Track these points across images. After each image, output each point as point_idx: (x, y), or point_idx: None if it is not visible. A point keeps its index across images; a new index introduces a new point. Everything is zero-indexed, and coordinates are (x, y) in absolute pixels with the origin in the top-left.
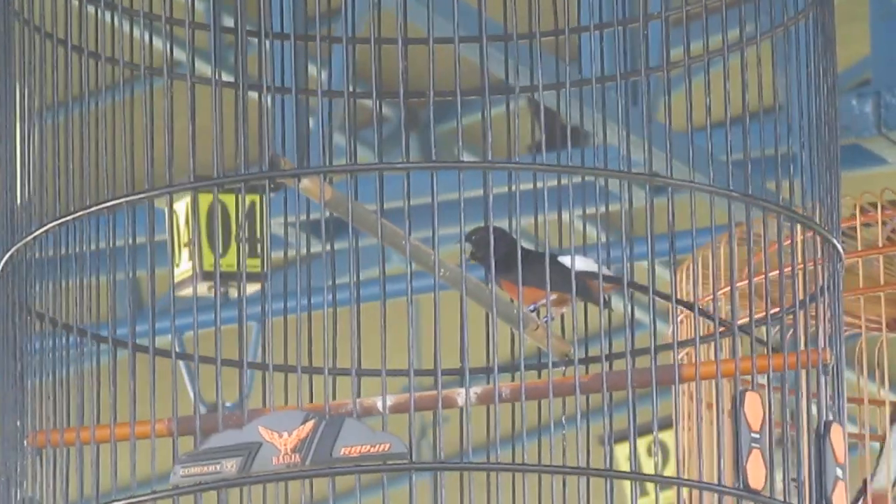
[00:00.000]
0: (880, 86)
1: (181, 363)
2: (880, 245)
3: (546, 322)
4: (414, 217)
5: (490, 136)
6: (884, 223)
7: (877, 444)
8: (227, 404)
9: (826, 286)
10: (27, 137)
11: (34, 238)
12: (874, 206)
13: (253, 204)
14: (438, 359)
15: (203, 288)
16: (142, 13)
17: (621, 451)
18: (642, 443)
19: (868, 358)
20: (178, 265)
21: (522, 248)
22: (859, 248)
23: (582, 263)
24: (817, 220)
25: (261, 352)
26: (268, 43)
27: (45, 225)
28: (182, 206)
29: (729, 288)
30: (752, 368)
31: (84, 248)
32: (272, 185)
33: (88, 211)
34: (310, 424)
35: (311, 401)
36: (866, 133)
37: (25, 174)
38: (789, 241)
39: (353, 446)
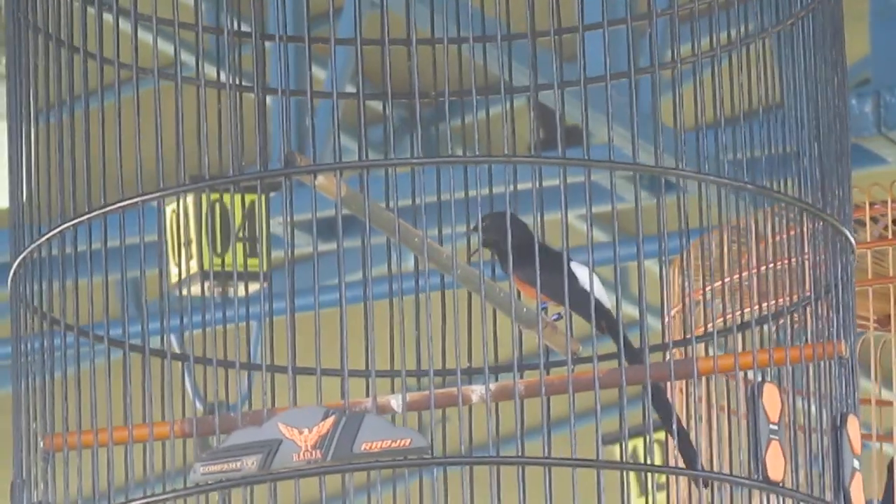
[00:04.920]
0: (880, 85)
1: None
2: (876, 238)
3: (555, 320)
4: (419, 214)
5: (505, 129)
6: (873, 219)
7: (874, 444)
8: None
9: (839, 277)
10: (37, 140)
11: (46, 240)
12: (883, 201)
13: (254, 202)
14: (458, 356)
15: (207, 288)
16: (154, 19)
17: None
18: (642, 441)
19: (861, 355)
20: (181, 265)
21: (537, 244)
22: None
23: (595, 284)
24: (828, 211)
25: (269, 353)
26: (270, 44)
27: (56, 227)
28: (182, 206)
29: (739, 280)
30: (770, 361)
31: (96, 245)
32: (287, 182)
33: (101, 212)
34: (330, 420)
35: (321, 402)
36: (866, 133)
37: (36, 176)
38: (797, 232)
39: (374, 441)
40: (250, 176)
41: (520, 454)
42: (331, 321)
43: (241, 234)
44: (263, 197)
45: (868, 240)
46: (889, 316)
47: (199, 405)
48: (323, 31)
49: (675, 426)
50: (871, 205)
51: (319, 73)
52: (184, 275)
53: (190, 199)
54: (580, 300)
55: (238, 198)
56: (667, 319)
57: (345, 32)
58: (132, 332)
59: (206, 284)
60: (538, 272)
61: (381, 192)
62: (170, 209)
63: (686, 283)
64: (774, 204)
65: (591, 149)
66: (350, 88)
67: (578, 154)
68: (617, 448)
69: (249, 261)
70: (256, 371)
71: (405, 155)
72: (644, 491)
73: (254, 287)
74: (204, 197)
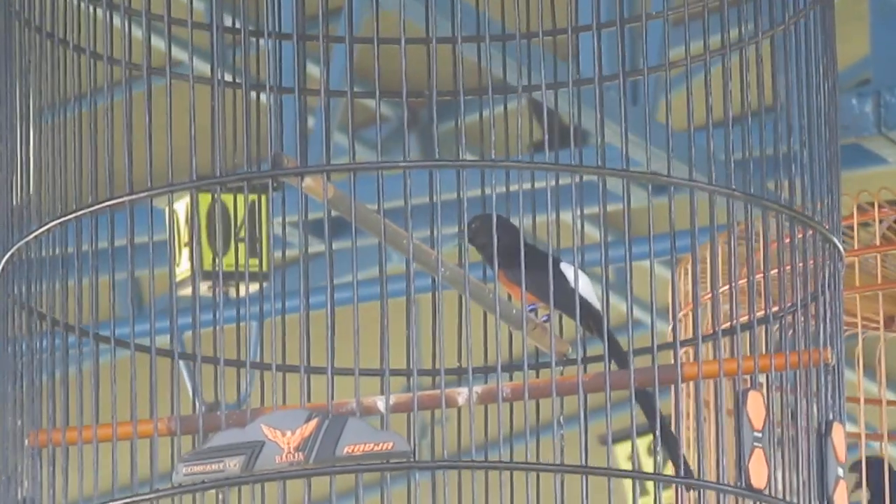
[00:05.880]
0: (880, 86)
1: (180, 363)
2: (877, 243)
3: (544, 322)
4: (412, 216)
5: (493, 134)
6: (880, 221)
7: (875, 444)
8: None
9: (827, 285)
10: (28, 136)
11: (35, 237)
12: (872, 205)
13: (253, 203)
14: (442, 358)
15: (203, 288)
16: (144, 13)
17: (621, 451)
18: (641, 443)
19: (865, 356)
20: (178, 265)
21: (525, 245)
22: (856, 247)
23: (582, 283)
24: (818, 218)
25: (260, 352)
26: (267, 42)
27: (45, 224)
28: (182, 205)
29: (728, 287)
30: (755, 367)
31: (85, 247)
32: (275, 185)
33: (89, 210)
34: (313, 423)
35: (310, 401)
36: (866, 133)
37: (26, 173)
38: (789, 240)
39: (356, 445)
40: (237, 177)
41: (507, 459)
42: (322, 322)
43: (235, 235)
44: (254, 197)
45: (878, 243)
46: (892, 318)
47: (194, 401)
48: (323, 28)
49: (659, 429)
50: (879, 207)
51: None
52: (178, 275)
53: (187, 199)
54: (568, 301)
55: (229, 198)
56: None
57: (345, 30)
58: (124, 332)
59: (200, 284)
60: (523, 273)
61: (374, 193)
62: (166, 209)
63: (673, 291)
64: (764, 211)
65: (588, 150)
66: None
67: (575, 154)
68: (616, 448)
69: (240, 261)
70: (245, 369)
71: (401, 155)
72: (636, 494)
73: (246, 288)
74: (201, 197)
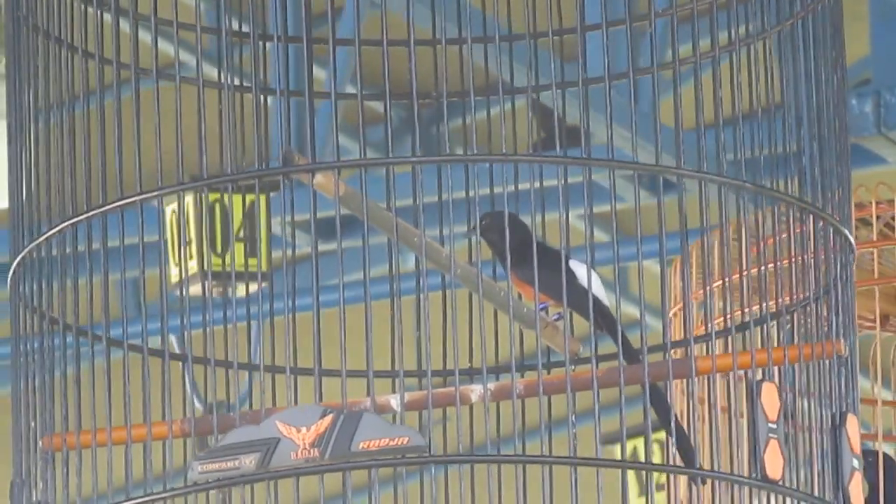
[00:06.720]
0: (880, 85)
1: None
2: (874, 239)
3: (555, 320)
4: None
5: (503, 129)
6: (877, 217)
7: (869, 444)
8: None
9: (838, 276)
10: (37, 139)
11: (46, 239)
12: (869, 202)
13: (253, 203)
14: (456, 358)
15: (207, 288)
16: (153, 18)
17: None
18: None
19: (861, 355)
20: (182, 265)
21: (536, 243)
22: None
23: (593, 283)
24: (828, 210)
25: (268, 352)
26: (276, 45)
27: (56, 226)
28: (183, 206)
29: (739, 279)
30: (769, 360)
31: (95, 248)
32: (285, 181)
33: (100, 210)
34: (328, 419)
35: (320, 402)
36: (866, 133)
37: (36, 175)
38: (799, 233)
39: (371, 440)
40: (249, 174)
41: (520, 454)
42: (331, 321)
43: (240, 235)
44: (263, 196)
45: (875, 239)
46: (887, 316)
47: (198, 405)
48: (324, 31)
49: (673, 425)
50: (877, 204)
51: (321, 73)
52: (184, 275)
53: (190, 199)
54: (579, 299)
55: (238, 198)
56: (667, 319)
57: (345, 32)
58: (132, 332)
59: (206, 284)
60: (536, 272)
61: (381, 192)
62: (170, 209)
63: (685, 283)
64: (774, 203)
65: (592, 149)
66: (350, 88)
67: (579, 154)
68: (617, 449)
69: (249, 261)
70: (256, 371)
71: (405, 155)
72: (644, 491)
73: (253, 287)
74: (204, 197)
